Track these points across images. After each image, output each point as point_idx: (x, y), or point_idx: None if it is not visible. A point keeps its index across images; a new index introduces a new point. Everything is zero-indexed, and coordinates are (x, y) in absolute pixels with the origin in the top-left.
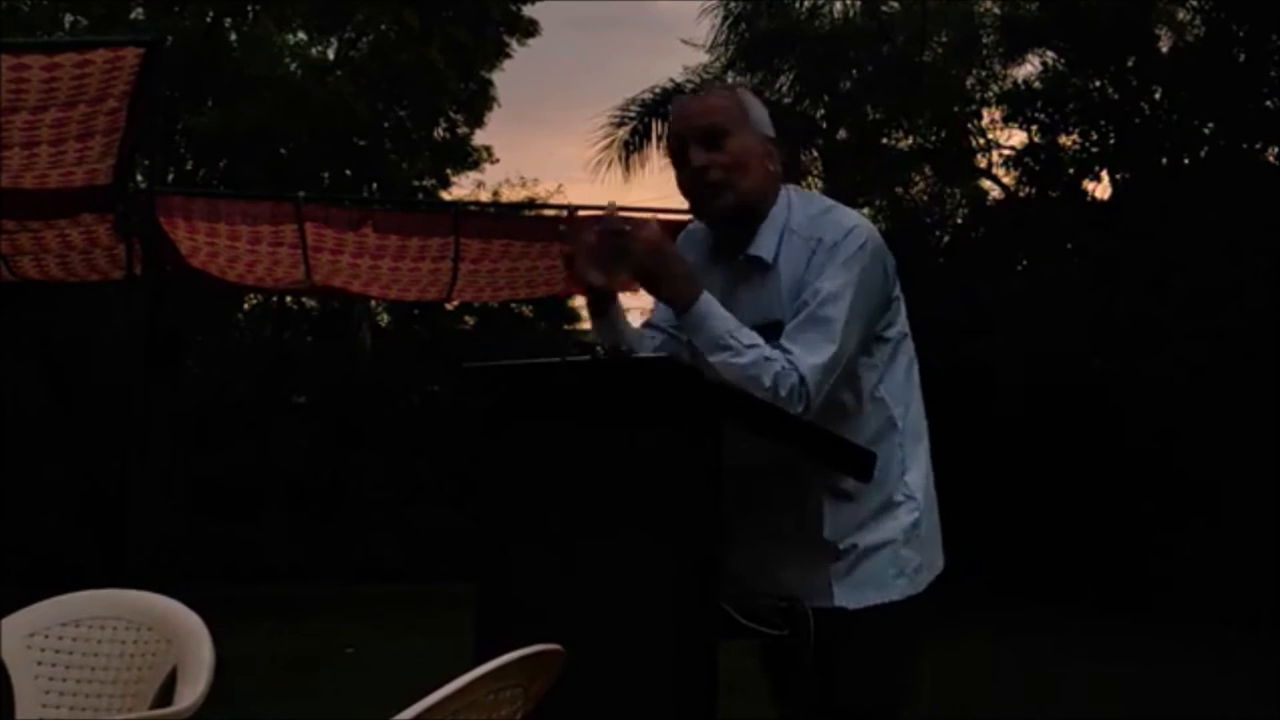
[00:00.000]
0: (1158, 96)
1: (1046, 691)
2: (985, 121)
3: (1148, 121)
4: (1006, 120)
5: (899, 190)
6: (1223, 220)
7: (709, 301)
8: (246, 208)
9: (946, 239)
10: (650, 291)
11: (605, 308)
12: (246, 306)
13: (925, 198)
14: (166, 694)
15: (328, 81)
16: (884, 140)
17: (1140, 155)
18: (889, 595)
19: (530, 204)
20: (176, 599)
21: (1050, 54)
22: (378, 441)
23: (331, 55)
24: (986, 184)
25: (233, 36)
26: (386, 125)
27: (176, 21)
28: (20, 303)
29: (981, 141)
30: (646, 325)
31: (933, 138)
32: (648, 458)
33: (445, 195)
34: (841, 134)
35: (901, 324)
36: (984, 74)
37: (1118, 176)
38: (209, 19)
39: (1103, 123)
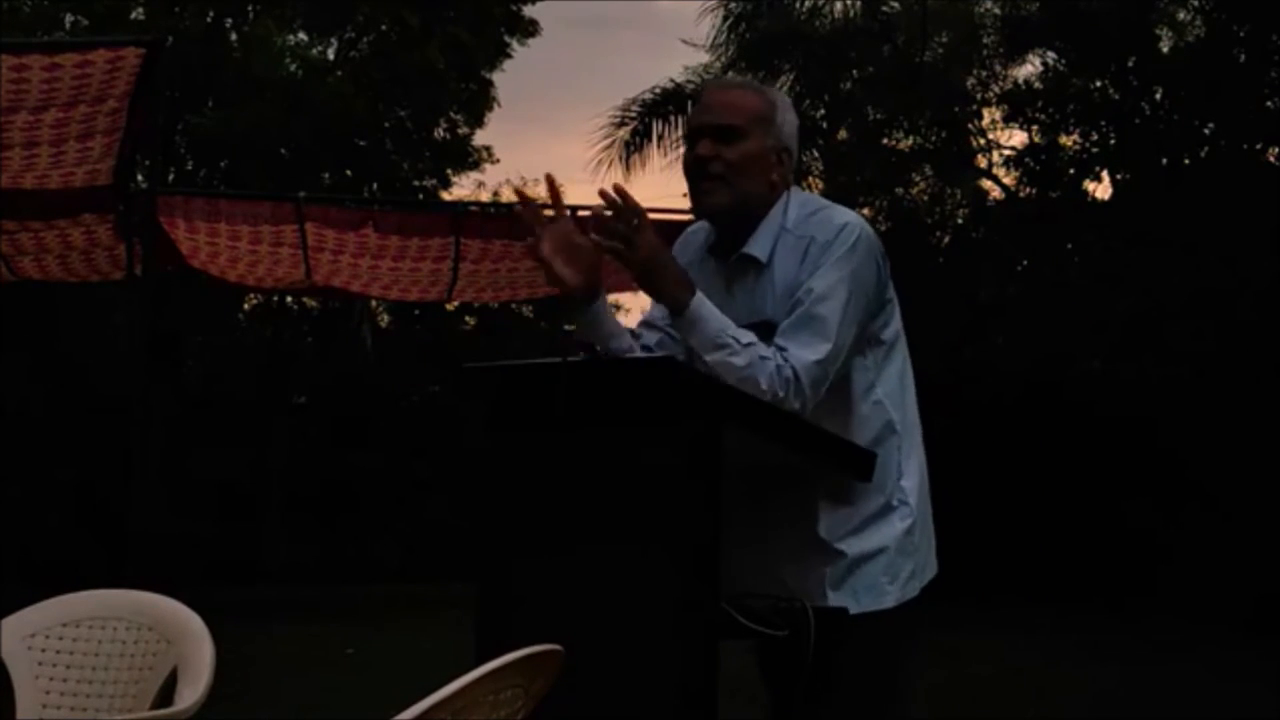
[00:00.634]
0: (1158, 97)
1: (1045, 691)
2: (986, 122)
3: (1148, 122)
4: (1007, 120)
5: (899, 190)
6: (1223, 220)
7: (702, 303)
8: (247, 208)
9: (947, 239)
10: (649, 293)
11: (588, 304)
12: (247, 306)
13: (925, 198)
14: (167, 694)
15: (328, 82)
16: (884, 140)
17: (1141, 155)
18: (883, 602)
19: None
20: (176, 599)
21: (1051, 54)
22: (378, 441)
23: (332, 55)
24: (987, 184)
25: (233, 37)
26: (387, 125)
27: (177, 22)
28: (20, 303)
29: (982, 142)
30: (644, 324)
31: (933, 138)
32: (648, 457)
33: (445, 195)
34: (842, 134)
35: (896, 326)
36: (984, 74)
37: (1118, 177)
38: (210, 19)
39: (1103, 123)
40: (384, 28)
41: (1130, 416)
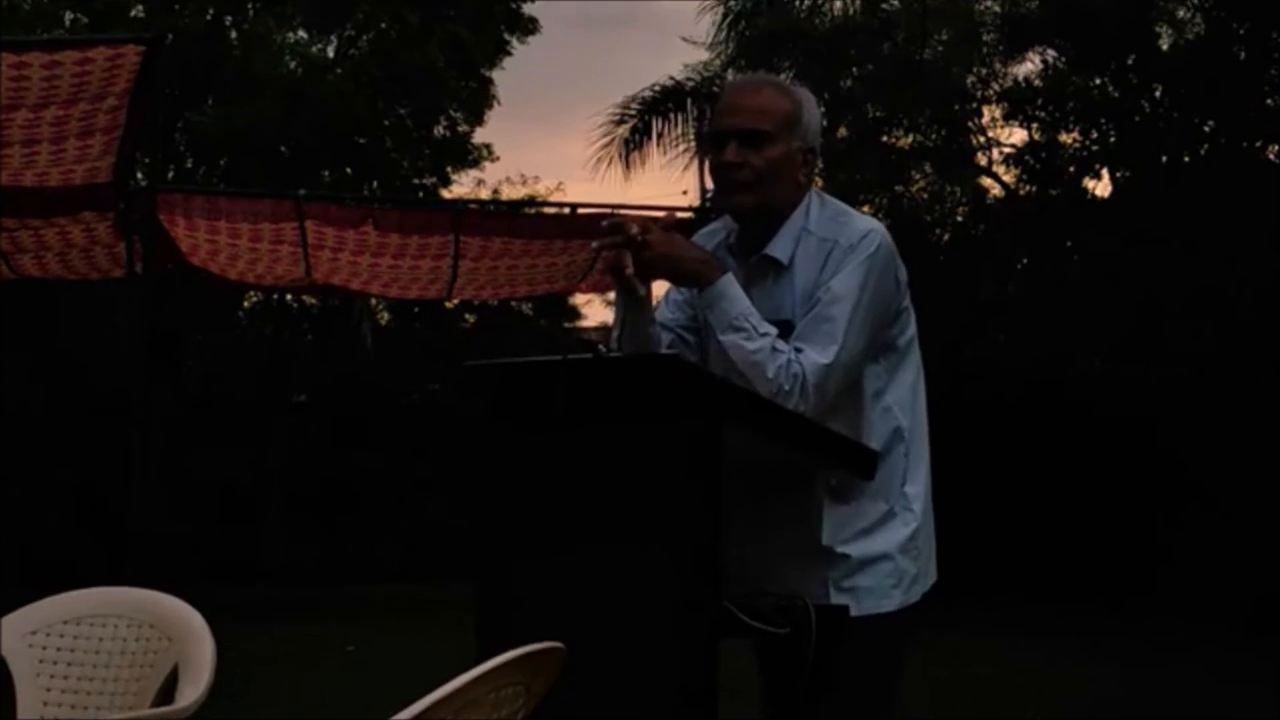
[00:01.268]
0: (1158, 94)
1: (1045, 691)
2: (986, 119)
3: (1148, 120)
4: (1007, 118)
5: (899, 188)
6: (1223, 218)
7: (731, 283)
8: (247, 205)
9: (947, 237)
10: (676, 280)
11: (639, 312)
12: (247, 304)
13: (925, 196)
14: (168, 692)
15: (328, 79)
16: (884, 138)
17: (1141, 153)
18: (884, 606)
19: (530, 202)
20: (177, 598)
21: (1051, 52)
22: (378, 441)
23: (332, 53)
24: (987, 182)
25: (233, 34)
26: (387, 123)
27: (177, 19)
28: (20, 301)
29: (982, 139)
30: (658, 325)
31: (933, 135)
32: (649, 455)
33: (445, 193)
34: (842, 132)
35: (911, 334)
36: (984, 72)
37: (1118, 174)
38: (209, 17)
39: (1103, 121)
40: (384, 25)
41: (1130, 416)
